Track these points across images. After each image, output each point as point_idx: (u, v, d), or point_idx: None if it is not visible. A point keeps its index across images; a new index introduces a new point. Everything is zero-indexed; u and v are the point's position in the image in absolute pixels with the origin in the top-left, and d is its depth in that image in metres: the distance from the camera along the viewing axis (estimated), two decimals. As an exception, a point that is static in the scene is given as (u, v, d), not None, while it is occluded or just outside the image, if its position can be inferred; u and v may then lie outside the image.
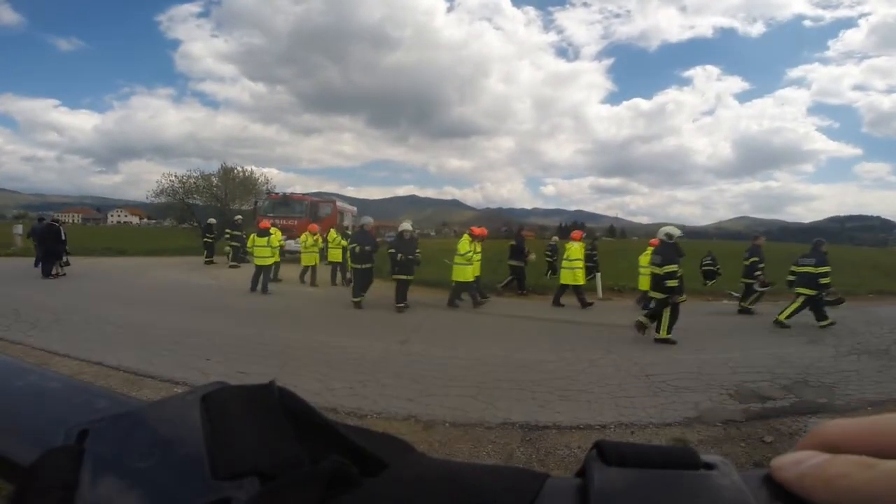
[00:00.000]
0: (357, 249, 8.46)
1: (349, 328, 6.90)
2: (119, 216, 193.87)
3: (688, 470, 0.20)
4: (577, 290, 9.32)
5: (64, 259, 11.07)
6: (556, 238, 14.53)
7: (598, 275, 11.12)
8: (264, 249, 10.14)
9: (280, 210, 17.94)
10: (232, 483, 0.20)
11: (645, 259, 9.08)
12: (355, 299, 8.56)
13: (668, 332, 6.34)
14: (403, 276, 8.35)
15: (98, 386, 0.30)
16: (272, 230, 10.65)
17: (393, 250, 8.56)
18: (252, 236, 11.06)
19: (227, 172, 27.68)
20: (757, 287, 9.01)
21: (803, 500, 0.19)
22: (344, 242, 11.29)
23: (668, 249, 6.52)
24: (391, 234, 16.71)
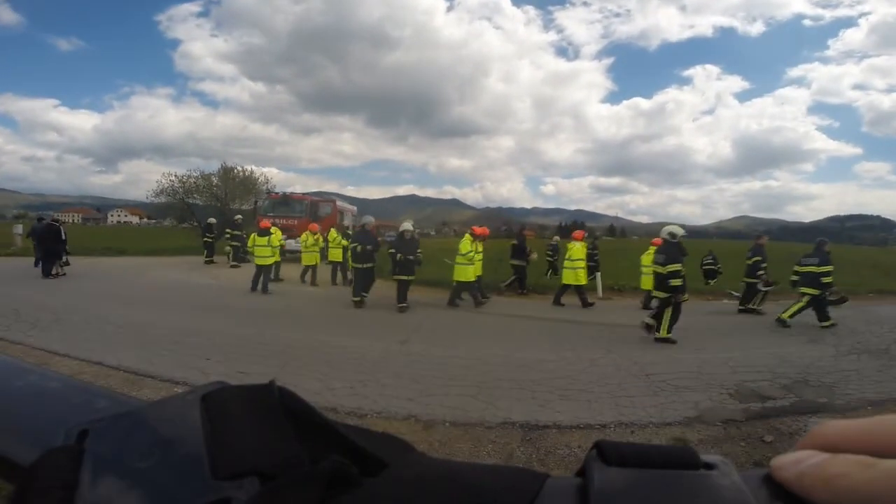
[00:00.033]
0: (359, 249, 8.43)
1: (349, 328, 6.90)
2: (119, 216, 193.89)
3: (688, 470, 0.20)
4: (579, 289, 9.31)
5: (64, 259, 11.06)
6: (557, 238, 14.53)
7: (599, 274, 11.12)
8: (265, 249, 10.14)
9: (280, 209, 17.93)
10: (232, 483, 0.20)
11: (647, 258, 9.07)
12: (355, 298, 8.56)
13: (669, 332, 6.34)
14: (404, 277, 8.33)
15: (98, 386, 0.30)
16: (272, 230, 10.65)
17: (393, 250, 8.52)
18: (252, 236, 11.06)
19: (226, 172, 27.68)
20: (761, 287, 9.00)
21: (803, 500, 0.19)
22: (344, 242, 11.28)
23: (672, 248, 6.52)
24: (391, 234, 16.71)
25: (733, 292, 10.57)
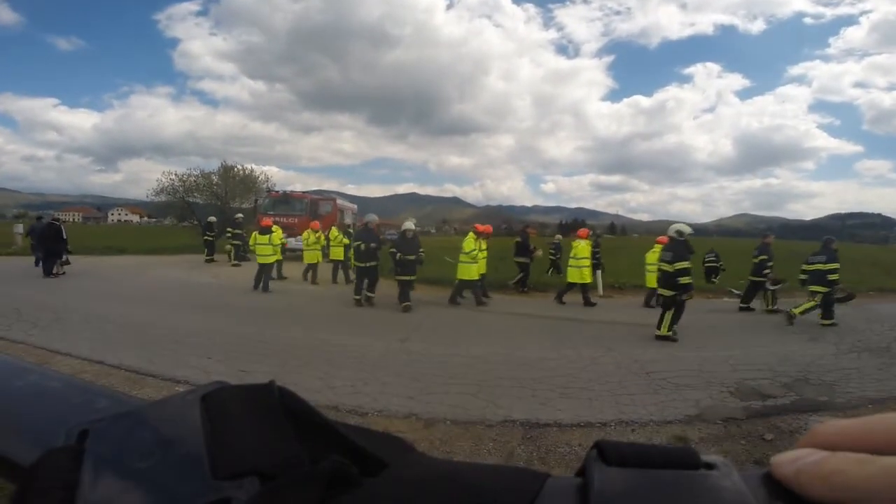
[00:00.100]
0: (362, 247, 8.36)
1: (350, 326, 6.91)
2: (119, 215, 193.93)
3: (688, 470, 0.20)
4: (583, 288, 9.31)
5: (64, 258, 11.06)
6: (559, 236, 14.53)
7: (600, 272, 11.12)
8: (266, 248, 10.14)
9: (280, 208, 17.92)
10: (232, 483, 0.20)
11: (653, 256, 9.05)
12: (357, 297, 8.55)
13: (669, 330, 6.34)
14: (406, 277, 8.28)
15: (99, 385, 0.30)
16: (274, 228, 10.65)
17: (394, 249, 8.46)
18: (254, 234, 11.07)
19: (227, 171, 27.66)
20: (768, 286, 8.98)
21: (803, 500, 0.19)
22: (346, 240, 11.27)
23: (679, 246, 6.53)
24: (392, 232, 16.69)
25: (734, 290, 10.56)
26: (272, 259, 10.27)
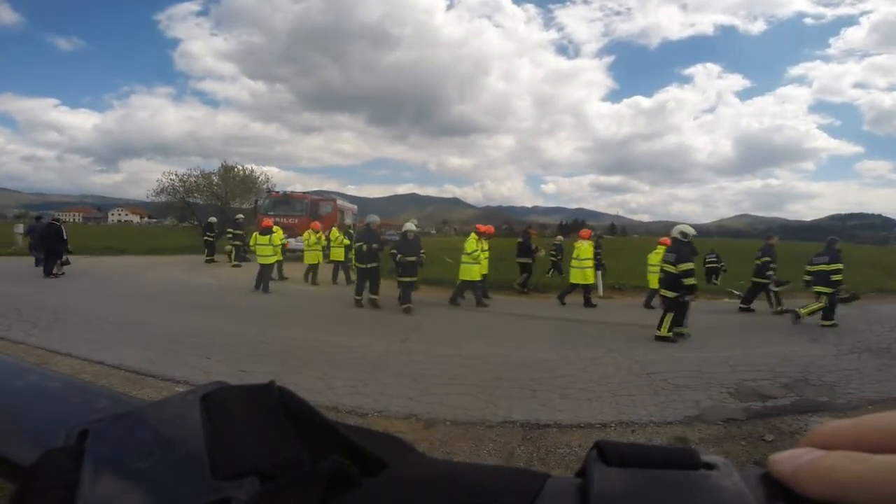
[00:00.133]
0: (364, 248, 8.31)
1: (350, 327, 6.91)
2: (119, 215, 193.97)
3: (688, 470, 0.20)
4: (585, 289, 9.31)
5: (64, 258, 11.04)
6: (560, 237, 14.54)
7: (600, 273, 11.12)
8: (266, 248, 10.14)
9: (280, 208, 17.93)
10: (232, 483, 0.20)
11: (655, 258, 9.04)
12: (357, 297, 8.54)
13: (669, 331, 6.34)
14: (407, 279, 8.25)
15: (98, 385, 0.30)
16: (274, 229, 10.65)
17: (394, 251, 8.42)
18: (254, 235, 11.07)
19: (227, 171, 27.67)
20: (772, 287, 8.97)
21: (802, 499, 0.19)
22: (346, 241, 11.26)
23: (683, 248, 6.54)
24: (392, 233, 16.69)
25: (734, 291, 10.56)
26: (272, 260, 10.27)
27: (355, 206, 24.58)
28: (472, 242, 8.83)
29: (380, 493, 0.21)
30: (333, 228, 12.38)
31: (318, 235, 11.80)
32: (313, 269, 11.51)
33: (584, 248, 9.27)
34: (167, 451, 0.21)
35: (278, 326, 6.66)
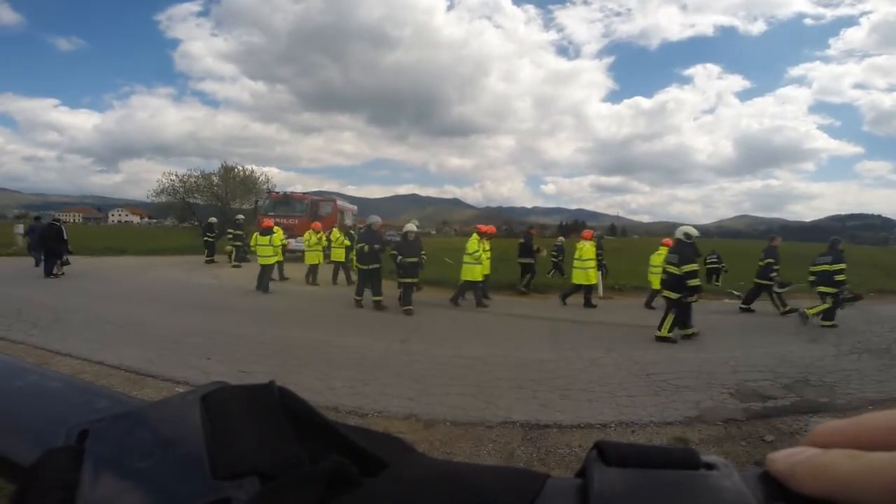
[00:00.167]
0: (366, 249, 8.23)
1: (350, 327, 6.91)
2: (120, 215, 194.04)
3: (688, 470, 0.20)
4: (586, 289, 9.31)
5: (64, 258, 11.04)
6: (561, 238, 14.55)
7: (600, 274, 11.13)
8: (266, 248, 10.14)
9: (281, 209, 17.93)
10: (232, 483, 0.20)
11: (658, 259, 9.04)
12: (357, 297, 8.52)
13: (670, 331, 6.35)
14: (408, 280, 8.21)
15: (98, 385, 0.30)
16: (275, 229, 10.65)
17: (395, 252, 8.37)
18: (255, 235, 11.06)
19: (227, 171, 27.66)
20: (776, 288, 8.95)
21: (801, 498, 0.19)
22: (347, 242, 11.25)
23: (687, 249, 6.55)
24: (392, 233, 16.69)
25: (734, 291, 10.56)
26: (273, 260, 10.27)
27: (355, 207, 24.59)
28: (473, 243, 8.83)
29: (380, 493, 0.21)
30: (334, 229, 12.37)
31: (318, 236, 11.79)
32: (313, 269, 11.50)
33: (587, 249, 9.26)
34: (167, 451, 0.21)
35: (278, 327, 6.66)
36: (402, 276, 8.22)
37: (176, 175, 26.07)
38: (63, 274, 10.86)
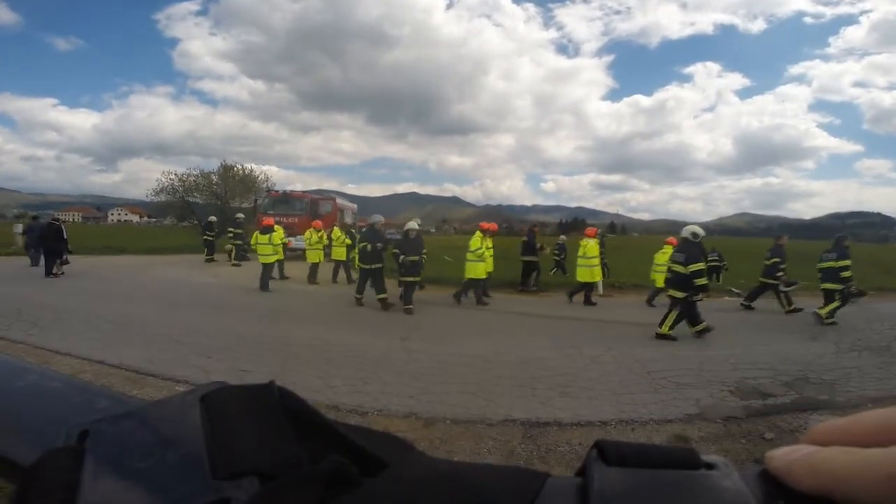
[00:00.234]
0: (368, 248, 8.19)
1: (350, 325, 6.91)
2: (119, 215, 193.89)
3: (688, 470, 0.20)
4: (587, 287, 9.32)
5: (64, 258, 11.03)
6: (563, 237, 14.57)
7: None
8: (266, 247, 10.13)
9: (280, 207, 17.92)
10: (232, 483, 0.20)
11: (662, 257, 9.04)
12: (358, 296, 8.51)
13: (671, 329, 6.35)
14: (410, 279, 8.17)
15: (98, 385, 0.30)
16: (275, 228, 10.64)
17: (397, 251, 8.32)
18: (255, 234, 11.05)
19: (226, 170, 27.66)
20: (782, 287, 8.95)
21: (800, 496, 0.19)
22: (348, 241, 11.24)
23: (693, 248, 6.56)
24: (392, 232, 16.69)
25: (734, 289, 10.57)
26: (273, 259, 10.26)
27: (355, 205, 24.58)
28: (476, 240, 8.83)
29: (380, 493, 0.21)
30: (335, 228, 12.35)
31: (319, 234, 11.78)
32: (314, 268, 11.49)
33: (591, 247, 9.27)
34: (167, 451, 0.21)
35: (278, 325, 6.67)
36: (403, 274, 8.20)
37: (175, 174, 26.10)
38: (63, 273, 10.85)
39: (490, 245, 9.13)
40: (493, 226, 9.41)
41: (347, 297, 8.81)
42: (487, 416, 3.79)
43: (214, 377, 4.47)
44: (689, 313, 6.44)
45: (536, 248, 10.84)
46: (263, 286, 9.77)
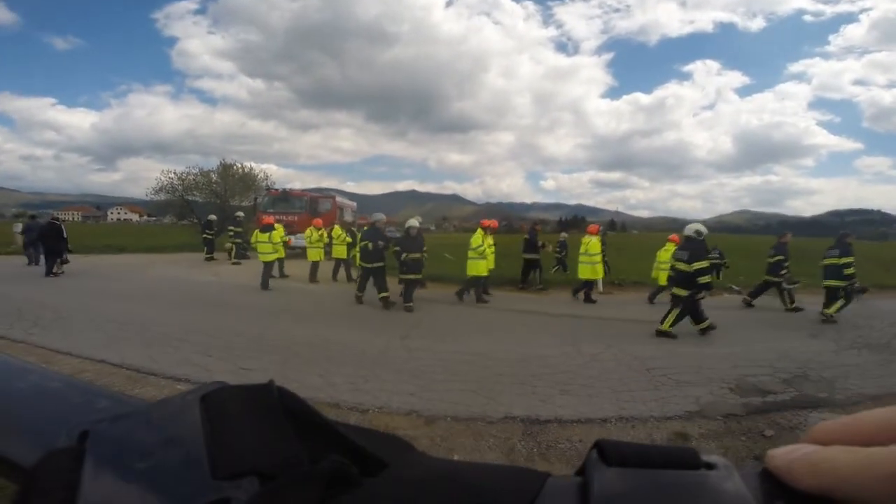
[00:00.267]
0: (370, 246, 8.17)
1: (350, 324, 6.91)
2: (119, 214, 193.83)
3: (688, 470, 0.20)
4: (588, 285, 9.33)
5: (64, 257, 11.02)
6: (564, 234, 14.58)
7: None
8: (266, 245, 10.13)
9: (279, 206, 17.90)
10: (231, 483, 0.20)
11: (664, 255, 9.03)
12: (358, 294, 8.51)
13: (672, 327, 6.36)
14: (411, 276, 8.16)
15: (99, 386, 0.30)
16: (275, 226, 10.63)
17: (398, 248, 8.31)
18: (255, 233, 11.05)
19: (225, 169, 27.60)
20: (785, 285, 8.95)
21: (801, 495, 0.19)
22: (349, 239, 11.23)
23: (697, 246, 6.54)
24: (392, 229, 16.69)
25: (734, 287, 10.57)
26: (273, 257, 10.26)
27: (355, 203, 24.56)
28: (478, 237, 8.83)
29: (380, 493, 0.21)
30: (336, 226, 12.33)
31: (320, 233, 11.78)
32: (315, 266, 11.49)
33: (593, 244, 9.28)
34: (167, 452, 0.22)
35: (279, 324, 6.67)
36: (404, 272, 8.19)
37: (174, 173, 26.03)
38: (63, 272, 10.84)
39: (492, 242, 9.14)
40: (494, 223, 9.43)
41: (348, 296, 8.81)
42: (488, 414, 3.79)
43: (216, 376, 4.48)
44: (692, 311, 6.43)
45: (538, 245, 10.86)
46: (264, 285, 9.77)
